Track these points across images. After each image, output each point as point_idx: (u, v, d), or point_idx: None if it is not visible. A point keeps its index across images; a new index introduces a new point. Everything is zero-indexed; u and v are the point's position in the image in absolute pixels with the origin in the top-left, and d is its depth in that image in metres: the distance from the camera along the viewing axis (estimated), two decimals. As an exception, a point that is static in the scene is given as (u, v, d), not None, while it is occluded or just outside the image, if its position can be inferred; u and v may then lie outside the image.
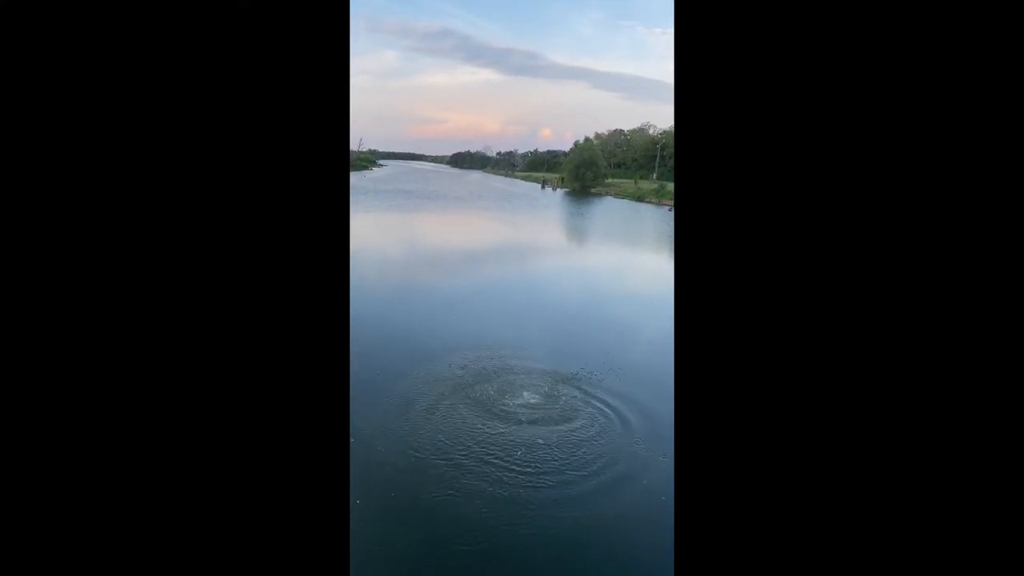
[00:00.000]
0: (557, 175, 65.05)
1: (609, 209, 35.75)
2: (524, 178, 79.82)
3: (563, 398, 5.43)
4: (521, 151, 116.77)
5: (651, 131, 75.80)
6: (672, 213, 33.23)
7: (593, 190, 52.13)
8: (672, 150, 64.23)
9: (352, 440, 3.94)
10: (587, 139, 66.60)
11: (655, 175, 60.92)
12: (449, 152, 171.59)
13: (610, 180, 56.86)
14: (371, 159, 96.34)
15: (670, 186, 44.84)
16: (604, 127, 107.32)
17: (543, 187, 58.22)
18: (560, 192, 51.75)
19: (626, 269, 15.31)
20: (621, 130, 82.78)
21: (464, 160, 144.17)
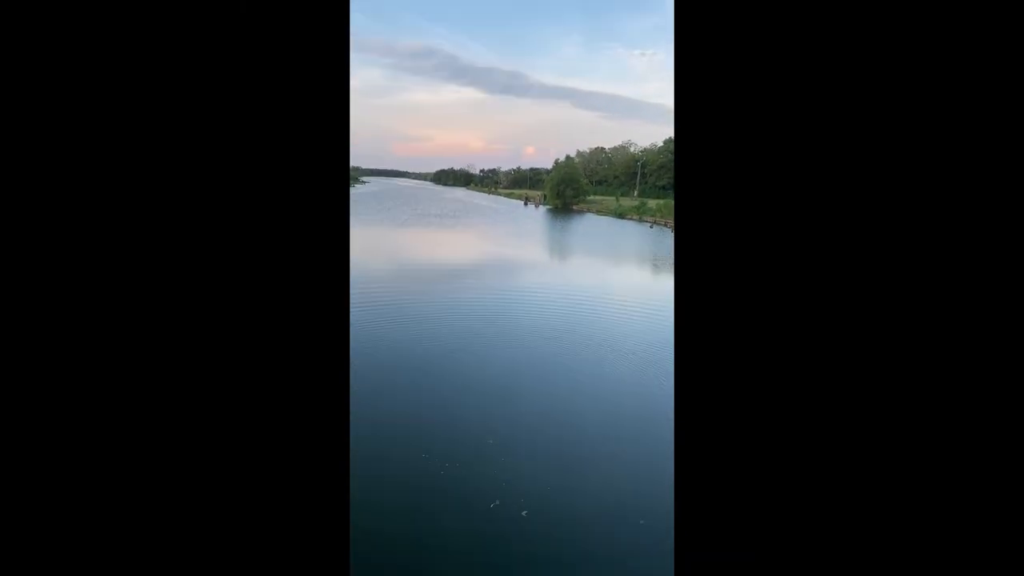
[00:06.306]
0: (539, 192, 65.49)
1: (590, 225, 36.05)
2: (507, 195, 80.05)
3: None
4: (504, 168, 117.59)
5: (631, 149, 76.96)
6: (653, 229, 33.71)
7: (575, 207, 52.57)
8: (652, 168, 65.32)
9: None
10: (568, 157, 67.21)
11: (636, 192, 61.71)
12: (432, 169, 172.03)
13: (592, 197, 57.45)
14: (354, 176, 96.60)
15: (651, 203, 45.35)
16: (586, 145, 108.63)
17: (525, 204, 58.67)
18: (542, 209, 52.09)
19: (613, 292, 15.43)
20: (603, 148, 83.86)
21: (447, 177, 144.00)
